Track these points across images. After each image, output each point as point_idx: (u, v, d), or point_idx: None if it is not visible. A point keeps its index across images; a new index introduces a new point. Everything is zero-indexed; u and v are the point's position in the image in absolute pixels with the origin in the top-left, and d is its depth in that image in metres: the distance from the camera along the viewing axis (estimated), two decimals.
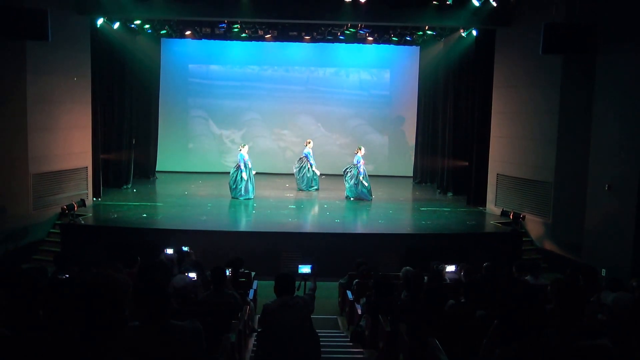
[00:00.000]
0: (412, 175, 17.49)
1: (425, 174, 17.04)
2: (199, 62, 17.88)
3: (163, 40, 16.83)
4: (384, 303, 5.49)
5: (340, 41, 15.74)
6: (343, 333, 7.42)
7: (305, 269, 5.66)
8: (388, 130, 18.22)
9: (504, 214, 12.24)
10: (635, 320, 3.70)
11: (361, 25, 14.21)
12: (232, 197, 13.50)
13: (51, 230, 11.27)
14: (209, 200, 13.51)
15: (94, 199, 12.84)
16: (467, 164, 14.11)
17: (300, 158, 14.96)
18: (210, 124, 18.03)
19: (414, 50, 17.39)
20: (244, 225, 12.08)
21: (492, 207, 12.87)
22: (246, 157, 13.46)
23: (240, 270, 7.48)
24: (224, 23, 14.20)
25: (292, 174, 15.11)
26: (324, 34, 14.92)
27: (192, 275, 6.03)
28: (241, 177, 13.40)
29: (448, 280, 6.87)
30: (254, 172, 13.70)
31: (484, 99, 13.05)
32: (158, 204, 13.72)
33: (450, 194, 15.11)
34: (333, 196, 14.29)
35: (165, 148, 17.39)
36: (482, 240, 11.11)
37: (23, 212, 10.90)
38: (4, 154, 10.61)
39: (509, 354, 2.78)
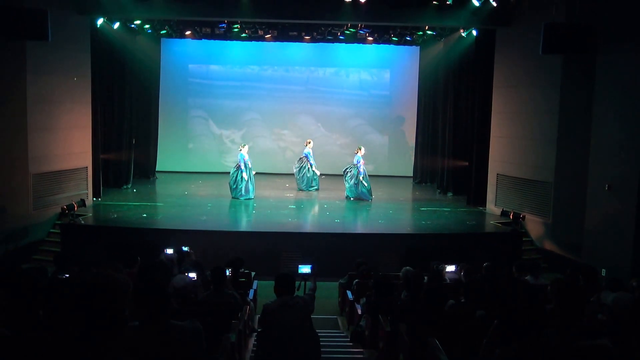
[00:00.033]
0: (412, 175, 17.49)
1: (425, 174, 17.03)
2: (199, 62, 17.87)
3: (163, 40, 16.83)
4: (384, 303, 5.49)
5: (340, 41, 15.73)
6: (343, 333, 7.42)
7: (305, 269, 5.66)
8: (388, 130, 18.22)
9: (504, 214, 12.24)
10: (635, 320, 3.70)
11: (361, 25, 14.20)
12: (232, 197, 13.50)
13: (51, 230, 11.27)
14: (209, 200, 13.51)
15: (94, 199, 12.84)
16: (467, 164, 14.11)
17: (300, 158, 14.95)
18: (210, 124, 18.03)
19: (414, 50, 17.38)
20: (244, 225, 12.08)
21: (492, 207, 12.87)
22: (246, 157, 13.45)
23: (240, 270, 7.48)
24: (224, 23, 14.19)
25: (292, 174, 15.11)
26: (324, 34, 14.91)
27: (192, 275, 6.04)
28: (241, 177, 13.39)
29: (448, 280, 6.87)
30: (254, 172, 13.69)
31: (484, 99, 13.05)
32: (158, 204, 13.72)
33: (450, 194, 15.10)
34: (333, 196, 14.28)
35: (165, 148, 17.38)
36: (482, 240, 11.11)
37: (23, 212, 10.90)
38: (4, 154, 10.61)
39: (509, 354, 2.78)
